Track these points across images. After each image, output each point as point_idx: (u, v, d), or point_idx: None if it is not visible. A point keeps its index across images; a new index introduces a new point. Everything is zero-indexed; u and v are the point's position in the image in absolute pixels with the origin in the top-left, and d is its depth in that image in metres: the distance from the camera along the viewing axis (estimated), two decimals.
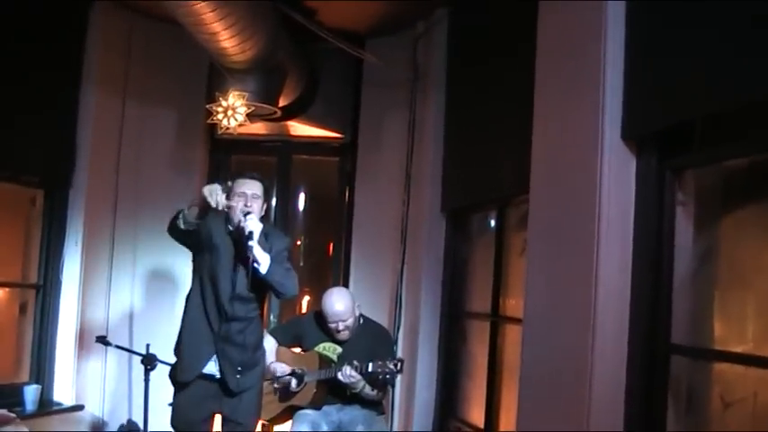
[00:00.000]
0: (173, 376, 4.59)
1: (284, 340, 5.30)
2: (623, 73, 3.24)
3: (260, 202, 4.51)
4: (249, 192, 4.47)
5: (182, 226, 4.36)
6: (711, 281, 3.11)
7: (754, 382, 2.77)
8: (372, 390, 5.03)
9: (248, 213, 4.35)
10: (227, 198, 4.31)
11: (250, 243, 4.29)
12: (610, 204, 3.20)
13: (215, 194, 4.18)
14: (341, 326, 5.09)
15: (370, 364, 4.81)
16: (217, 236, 4.54)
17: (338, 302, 5.11)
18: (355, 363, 4.85)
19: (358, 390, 4.95)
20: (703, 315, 3.09)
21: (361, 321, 5.34)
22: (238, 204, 4.42)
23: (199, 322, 4.55)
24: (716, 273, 3.11)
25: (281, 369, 5.11)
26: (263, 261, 4.38)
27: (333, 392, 5.11)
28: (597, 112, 3.25)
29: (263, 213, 4.55)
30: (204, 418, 4.61)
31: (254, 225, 4.32)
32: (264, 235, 4.51)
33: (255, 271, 4.36)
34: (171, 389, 4.73)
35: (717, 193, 3.14)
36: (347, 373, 4.83)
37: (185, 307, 4.65)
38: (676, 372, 3.09)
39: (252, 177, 4.56)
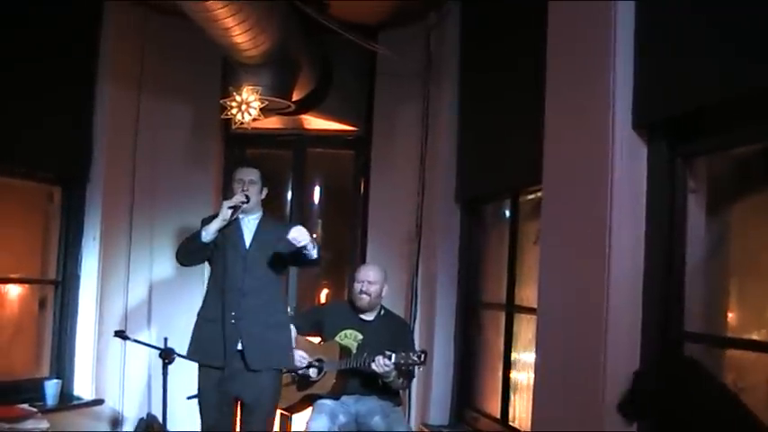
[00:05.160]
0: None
1: (304, 327, 5.35)
2: (633, 61, 3.23)
3: (257, 186, 5.00)
4: (246, 178, 4.97)
5: (206, 239, 4.82)
6: (724, 268, 3.11)
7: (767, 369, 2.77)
8: (402, 379, 5.09)
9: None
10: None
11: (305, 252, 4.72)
12: (621, 193, 3.20)
13: (224, 207, 4.82)
14: (365, 286, 5.26)
15: (393, 355, 4.85)
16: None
17: (371, 267, 5.44)
18: (387, 352, 4.88)
19: (390, 379, 4.99)
20: (716, 302, 3.09)
21: (383, 313, 5.40)
22: (237, 189, 4.93)
23: (217, 308, 4.81)
24: (728, 260, 3.10)
25: (300, 357, 5.15)
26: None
27: (351, 383, 5.15)
28: (608, 100, 3.24)
29: (263, 196, 5.06)
30: (226, 399, 4.81)
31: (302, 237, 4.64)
32: (273, 226, 5.02)
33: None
34: (189, 382, 4.78)
35: (728, 179, 3.14)
36: (382, 363, 4.87)
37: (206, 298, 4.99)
38: None
39: (248, 165, 5.16)
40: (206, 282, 5.13)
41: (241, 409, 4.92)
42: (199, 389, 4.84)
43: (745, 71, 2.60)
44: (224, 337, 4.74)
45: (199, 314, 4.96)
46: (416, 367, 5.05)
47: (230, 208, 4.78)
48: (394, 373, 4.95)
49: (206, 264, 5.16)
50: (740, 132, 2.85)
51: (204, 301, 4.97)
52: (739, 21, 2.64)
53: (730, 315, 3.04)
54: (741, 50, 2.63)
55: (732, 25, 2.68)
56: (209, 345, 4.78)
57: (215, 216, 4.87)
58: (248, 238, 4.96)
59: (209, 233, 4.79)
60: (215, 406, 4.77)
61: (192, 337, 4.89)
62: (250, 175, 4.98)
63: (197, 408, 4.81)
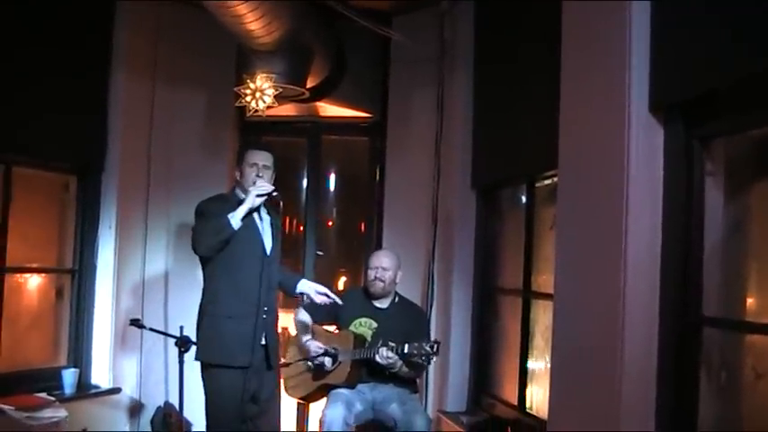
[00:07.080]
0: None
1: (319, 316, 5.33)
2: (649, 44, 3.20)
3: (270, 171, 4.77)
4: (261, 162, 4.74)
5: (237, 227, 4.53)
6: (742, 252, 3.07)
7: None
8: (408, 369, 5.07)
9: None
10: (240, 167, 4.79)
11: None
12: (638, 176, 3.17)
13: (251, 195, 4.60)
14: (379, 272, 5.26)
15: (407, 346, 4.84)
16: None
17: (385, 254, 5.42)
18: (391, 343, 4.87)
19: (396, 369, 4.98)
20: (734, 286, 3.06)
21: (397, 300, 5.38)
22: (251, 173, 4.71)
23: (245, 303, 4.61)
24: (746, 243, 3.07)
25: (315, 347, 5.14)
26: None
27: (367, 371, 5.14)
28: (623, 82, 3.21)
29: (272, 182, 4.75)
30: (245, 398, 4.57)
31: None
32: (268, 212, 4.82)
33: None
34: None
35: (746, 162, 3.10)
36: (384, 355, 4.87)
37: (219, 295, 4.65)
38: (708, 344, 3.06)
39: (262, 148, 4.88)
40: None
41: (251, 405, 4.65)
42: (220, 393, 4.55)
43: (763, 51, 2.56)
44: (254, 333, 4.52)
45: (216, 313, 4.59)
46: (432, 358, 5.02)
47: (259, 196, 4.59)
48: (399, 364, 4.95)
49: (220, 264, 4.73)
50: (758, 113, 2.81)
51: (220, 298, 4.61)
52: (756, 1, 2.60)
53: (749, 299, 3.01)
54: (758, 30, 2.58)
55: (748, 5, 2.64)
56: (237, 343, 4.53)
57: (217, 199, 4.75)
58: (266, 230, 4.75)
59: (237, 221, 4.51)
60: (238, 408, 4.53)
61: (209, 338, 4.57)
62: (265, 159, 4.74)
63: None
